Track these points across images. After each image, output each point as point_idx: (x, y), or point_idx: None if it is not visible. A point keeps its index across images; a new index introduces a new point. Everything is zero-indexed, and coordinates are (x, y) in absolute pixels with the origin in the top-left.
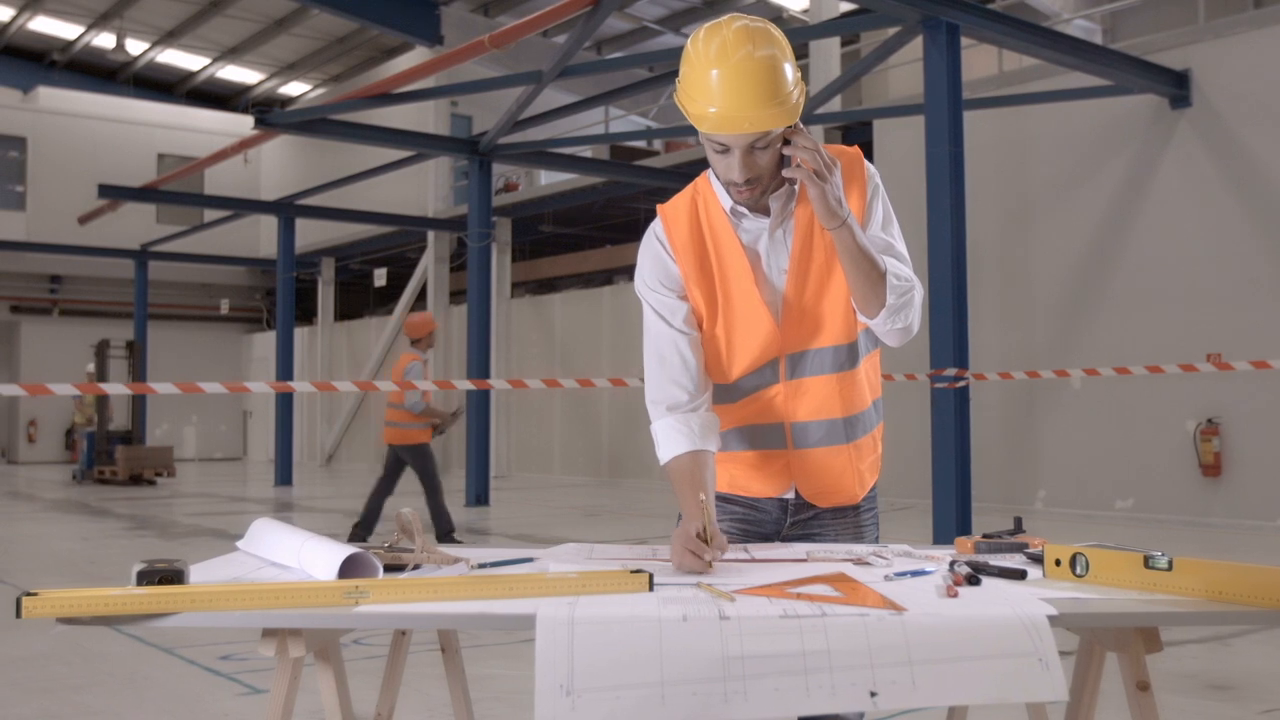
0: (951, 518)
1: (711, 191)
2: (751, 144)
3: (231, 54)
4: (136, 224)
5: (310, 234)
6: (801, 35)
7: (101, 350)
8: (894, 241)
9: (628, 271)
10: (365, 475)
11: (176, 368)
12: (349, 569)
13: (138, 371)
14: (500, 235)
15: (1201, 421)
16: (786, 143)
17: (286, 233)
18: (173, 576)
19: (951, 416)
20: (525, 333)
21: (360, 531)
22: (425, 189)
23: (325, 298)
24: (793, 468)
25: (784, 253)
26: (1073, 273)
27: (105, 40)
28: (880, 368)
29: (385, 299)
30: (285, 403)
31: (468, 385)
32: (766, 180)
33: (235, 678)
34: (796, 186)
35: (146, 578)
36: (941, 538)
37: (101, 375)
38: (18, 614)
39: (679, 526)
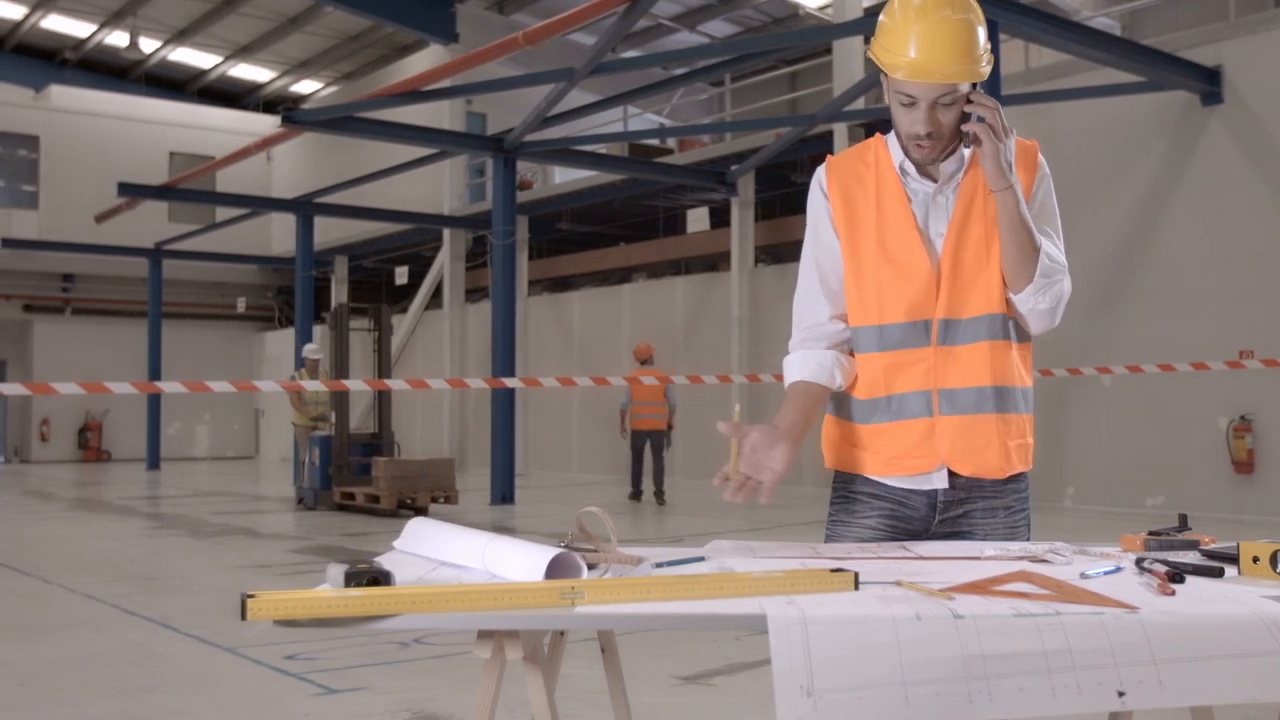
0: None
1: (885, 148)
2: (937, 99)
3: (244, 52)
4: (148, 223)
5: (324, 232)
6: (824, 35)
7: (339, 320)
8: (1051, 229)
9: (646, 269)
10: None
11: (190, 367)
12: (551, 570)
13: (384, 355)
14: (518, 233)
15: (1234, 418)
16: (969, 102)
17: (305, 231)
18: (380, 578)
19: None
20: (543, 330)
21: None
22: (441, 187)
23: (338, 296)
24: (938, 432)
25: (944, 218)
26: (1103, 270)
27: (118, 39)
28: (1032, 366)
29: (399, 297)
30: None
31: (518, 383)
32: (946, 140)
33: (307, 678)
34: (967, 155)
35: (355, 579)
36: None
37: (342, 363)
38: (243, 615)
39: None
